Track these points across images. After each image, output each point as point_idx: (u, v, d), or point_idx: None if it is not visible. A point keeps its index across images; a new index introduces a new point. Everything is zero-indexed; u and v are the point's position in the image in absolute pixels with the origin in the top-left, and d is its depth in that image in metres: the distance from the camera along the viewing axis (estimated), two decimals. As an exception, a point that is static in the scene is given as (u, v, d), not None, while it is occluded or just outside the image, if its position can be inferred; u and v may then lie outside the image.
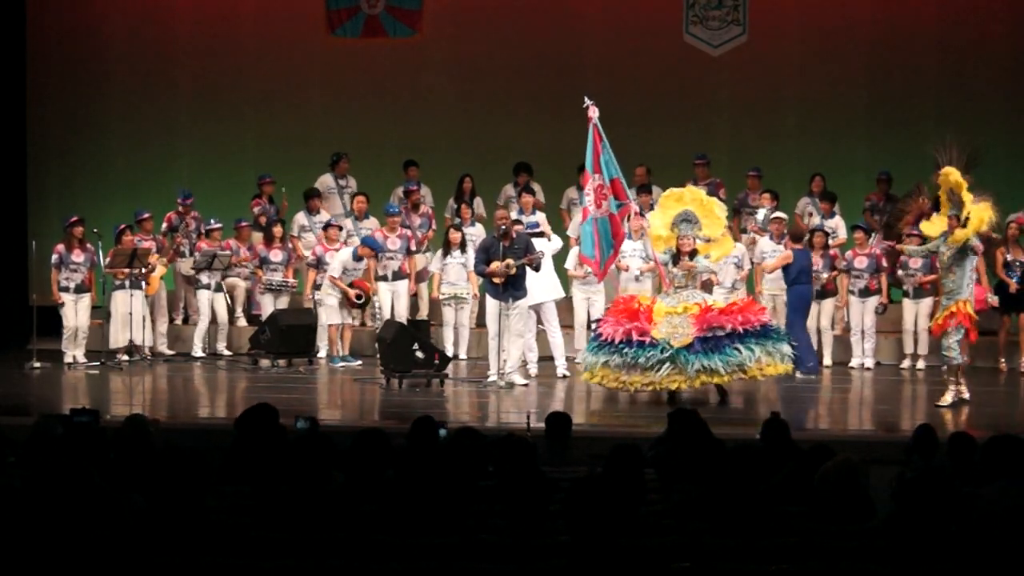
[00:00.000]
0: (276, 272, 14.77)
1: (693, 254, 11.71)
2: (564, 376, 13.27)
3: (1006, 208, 12.68)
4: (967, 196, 11.10)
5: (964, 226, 11.11)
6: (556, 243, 13.78)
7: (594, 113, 11.99)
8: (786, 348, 11.51)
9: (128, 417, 7.26)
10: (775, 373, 11.45)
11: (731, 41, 16.62)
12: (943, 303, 11.55)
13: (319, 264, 14.40)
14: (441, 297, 14.26)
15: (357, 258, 14.16)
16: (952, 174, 11.17)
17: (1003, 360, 14.03)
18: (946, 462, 6.74)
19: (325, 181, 15.67)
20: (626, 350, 11.32)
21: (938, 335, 11.70)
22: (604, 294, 13.88)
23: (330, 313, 14.22)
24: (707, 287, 12.29)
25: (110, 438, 6.79)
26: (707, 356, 11.12)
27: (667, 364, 11.19)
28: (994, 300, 13.82)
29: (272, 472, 5.87)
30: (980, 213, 11.14)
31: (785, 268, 13.64)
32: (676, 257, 11.74)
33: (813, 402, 12.40)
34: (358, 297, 14.13)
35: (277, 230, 14.85)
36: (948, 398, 11.45)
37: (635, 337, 11.30)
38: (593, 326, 12.73)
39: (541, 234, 13.60)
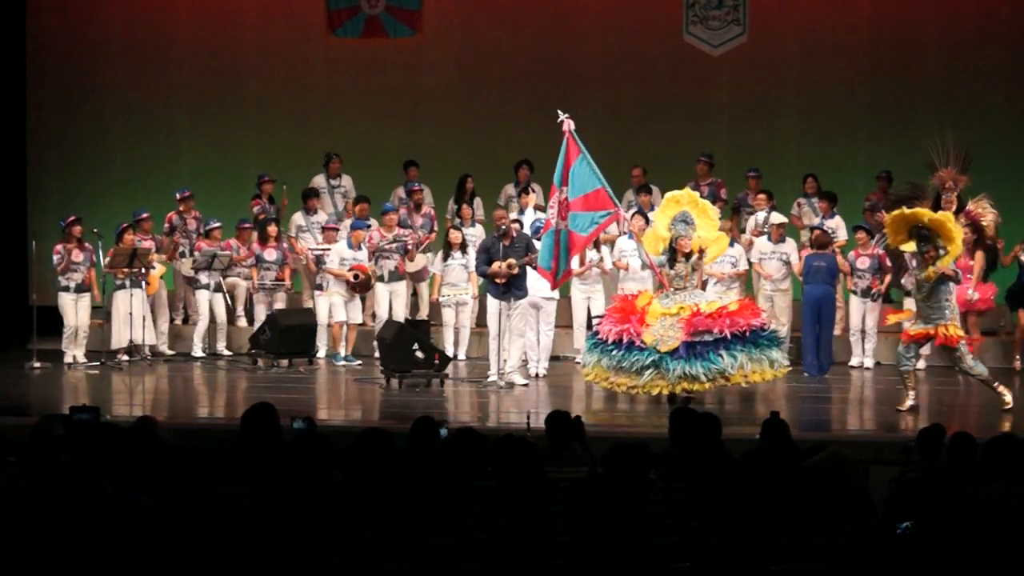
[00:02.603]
0: (270, 271, 14.74)
1: (690, 255, 11.69)
2: (541, 375, 13.26)
3: (1006, 208, 12.63)
4: (954, 228, 10.83)
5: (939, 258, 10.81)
6: None
7: (569, 125, 11.93)
8: (775, 354, 11.43)
9: (138, 419, 7.26)
10: (761, 380, 11.39)
11: (731, 41, 16.61)
12: (918, 324, 11.18)
13: (318, 265, 14.38)
14: (441, 299, 14.24)
15: (351, 246, 14.16)
16: (925, 214, 10.91)
17: (1018, 358, 13.99)
18: (946, 462, 6.75)
19: (317, 182, 15.64)
20: (615, 352, 11.34)
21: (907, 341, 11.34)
22: (604, 292, 13.87)
23: (334, 311, 14.22)
24: (703, 284, 12.27)
25: (112, 439, 6.78)
26: (689, 363, 11.10)
27: (650, 369, 11.18)
28: (989, 289, 13.68)
29: (269, 472, 5.88)
30: (958, 241, 10.87)
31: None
32: (673, 258, 11.73)
33: (813, 402, 12.38)
34: (355, 277, 14.09)
35: (272, 229, 14.81)
36: (908, 403, 11.31)
37: (625, 339, 11.31)
38: (594, 323, 12.74)
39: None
